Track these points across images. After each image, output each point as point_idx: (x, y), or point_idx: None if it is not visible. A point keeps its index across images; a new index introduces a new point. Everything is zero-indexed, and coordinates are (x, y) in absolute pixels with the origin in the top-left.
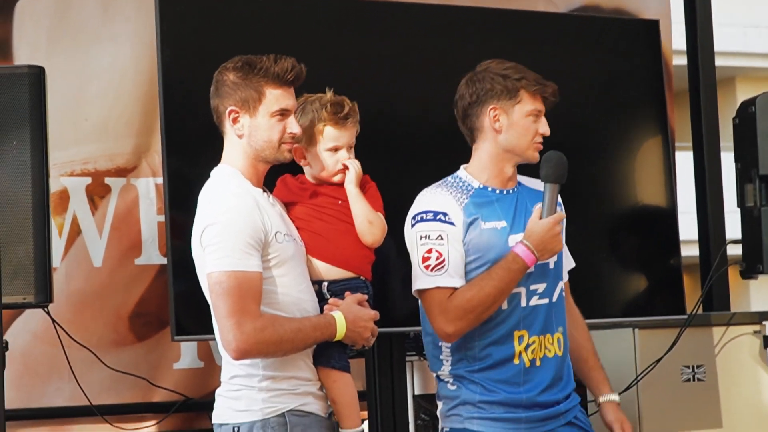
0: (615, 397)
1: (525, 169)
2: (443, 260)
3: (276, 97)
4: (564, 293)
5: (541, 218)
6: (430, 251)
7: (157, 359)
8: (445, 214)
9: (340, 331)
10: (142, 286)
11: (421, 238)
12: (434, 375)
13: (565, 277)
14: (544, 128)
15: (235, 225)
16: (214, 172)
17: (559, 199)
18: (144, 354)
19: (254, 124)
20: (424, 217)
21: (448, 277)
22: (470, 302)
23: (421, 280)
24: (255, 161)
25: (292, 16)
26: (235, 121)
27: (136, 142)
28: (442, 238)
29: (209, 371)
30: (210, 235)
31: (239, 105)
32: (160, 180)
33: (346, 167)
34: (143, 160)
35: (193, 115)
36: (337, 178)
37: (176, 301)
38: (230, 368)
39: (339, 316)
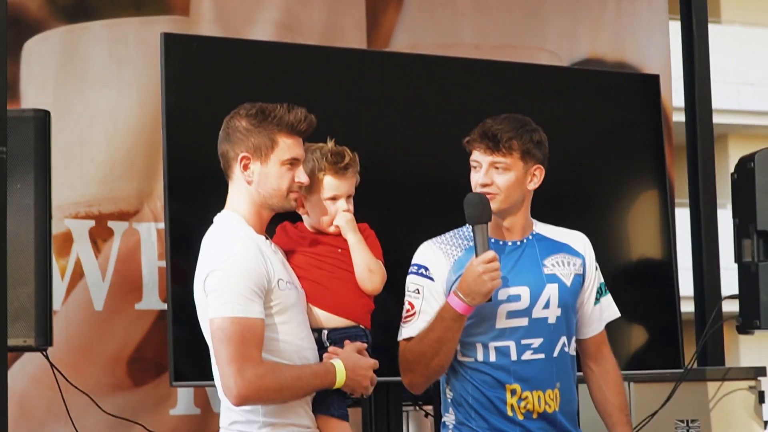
0: None
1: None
2: (413, 313)
3: (288, 146)
4: (593, 347)
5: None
6: (408, 303)
7: (154, 405)
8: (426, 269)
9: (340, 379)
10: (141, 331)
11: (406, 290)
12: (442, 420)
13: (599, 329)
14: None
15: (238, 271)
16: (218, 218)
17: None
18: (141, 399)
19: (264, 172)
20: (411, 270)
21: (410, 329)
22: (412, 353)
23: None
24: (260, 208)
25: (295, 65)
26: (245, 167)
27: (139, 186)
28: (418, 292)
29: (205, 418)
30: (213, 280)
31: (251, 152)
32: (161, 225)
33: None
34: (146, 205)
35: (196, 162)
36: (332, 229)
37: (175, 347)
38: (230, 414)
39: (339, 364)
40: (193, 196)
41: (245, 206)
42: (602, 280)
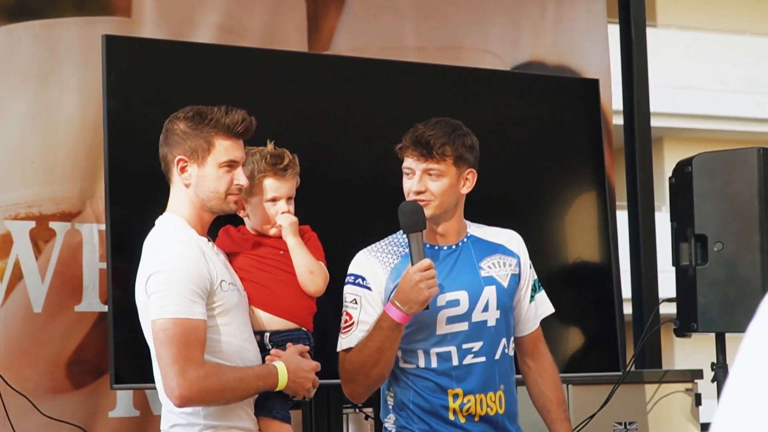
0: None
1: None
2: (351, 323)
3: (225, 148)
4: (530, 344)
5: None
6: (346, 314)
7: (93, 407)
8: (363, 279)
9: (282, 381)
10: (81, 333)
11: (344, 301)
12: (383, 424)
13: (535, 326)
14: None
15: (180, 272)
16: (160, 221)
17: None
18: (80, 402)
19: (202, 174)
20: (348, 280)
21: (349, 340)
22: (352, 363)
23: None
24: (201, 211)
25: (236, 68)
26: (183, 170)
27: (82, 186)
28: (356, 302)
29: (145, 420)
30: (155, 282)
31: (188, 154)
32: (104, 226)
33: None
34: (88, 205)
35: (137, 164)
36: (273, 231)
37: (115, 350)
38: (171, 417)
39: (281, 367)
40: (134, 198)
41: (186, 208)
42: (536, 276)
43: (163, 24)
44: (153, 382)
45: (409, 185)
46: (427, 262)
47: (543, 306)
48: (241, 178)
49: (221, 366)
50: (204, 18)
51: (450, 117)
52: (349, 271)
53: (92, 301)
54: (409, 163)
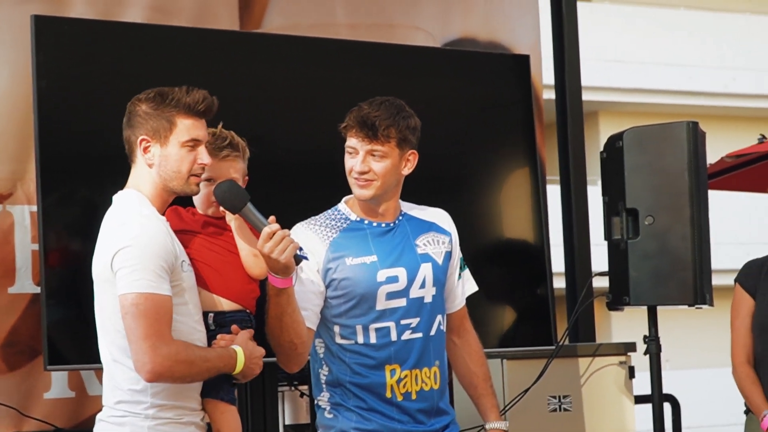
0: (501, 424)
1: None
2: None
3: (187, 127)
4: (456, 321)
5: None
6: None
7: (28, 389)
8: (300, 249)
9: (239, 365)
10: (15, 315)
11: None
12: (315, 402)
13: (462, 303)
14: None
15: (150, 248)
16: (120, 197)
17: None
18: (15, 384)
19: (164, 154)
20: None
21: None
22: (268, 332)
23: None
24: (162, 191)
25: (168, 48)
26: (146, 150)
27: (12, 168)
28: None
29: (80, 401)
30: (124, 257)
31: (150, 134)
32: (35, 208)
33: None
34: (19, 187)
35: (68, 145)
36: (210, 211)
37: (49, 331)
38: (117, 393)
39: (240, 351)
40: (65, 179)
41: (147, 187)
42: (461, 255)
43: (93, 4)
44: (88, 362)
45: (352, 164)
46: (267, 230)
47: (468, 283)
48: (204, 156)
49: (189, 344)
50: None
51: (381, 95)
52: None
53: (25, 283)
54: (352, 142)
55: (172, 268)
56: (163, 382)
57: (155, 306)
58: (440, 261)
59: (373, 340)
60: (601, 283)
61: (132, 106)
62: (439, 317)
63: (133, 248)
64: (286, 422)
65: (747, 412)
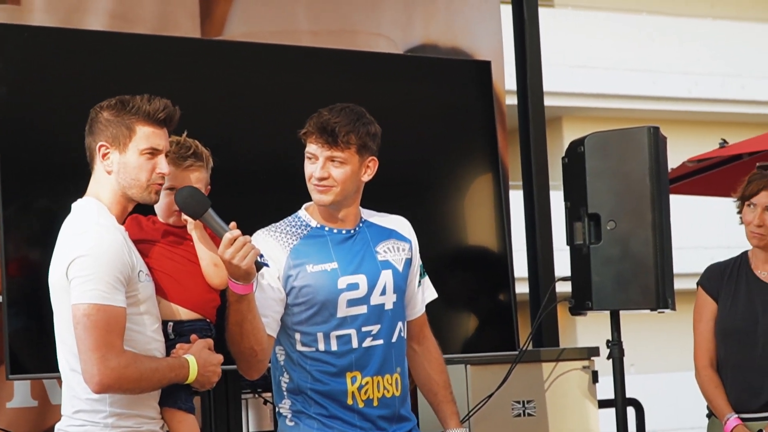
0: (460, 431)
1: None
2: None
3: (146, 135)
4: (416, 329)
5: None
6: None
7: None
8: (261, 255)
9: (192, 374)
10: None
11: None
12: (276, 410)
13: (421, 310)
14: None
15: (105, 258)
16: (79, 205)
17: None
18: None
19: (123, 161)
20: None
21: None
22: (228, 339)
23: None
24: (122, 198)
25: (129, 55)
26: (105, 156)
27: None
28: None
29: (43, 410)
30: (79, 266)
31: (110, 141)
32: None
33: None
34: None
35: (29, 153)
36: (171, 220)
37: (11, 339)
38: (75, 402)
39: (192, 360)
40: (26, 187)
41: (107, 195)
42: (421, 262)
43: (53, 11)
44: (50, 371)
45: (312, 170)
46: (228, 236)
47: (428, 290)
48: (162, 165)
49: (139, 355)
50: (94, 5)
51: (343, 101)
52: None
53: None
54: (312, 149)
55: (128, 279)
56: (112, 393)
57: (107, 317)
58: (400, 268)
59: (334, 347)
60: (564, 287)
61: (94, 113)
62: (400, 324)
63: (88, 258)
64: (251, 429)
65: (710, 415)
